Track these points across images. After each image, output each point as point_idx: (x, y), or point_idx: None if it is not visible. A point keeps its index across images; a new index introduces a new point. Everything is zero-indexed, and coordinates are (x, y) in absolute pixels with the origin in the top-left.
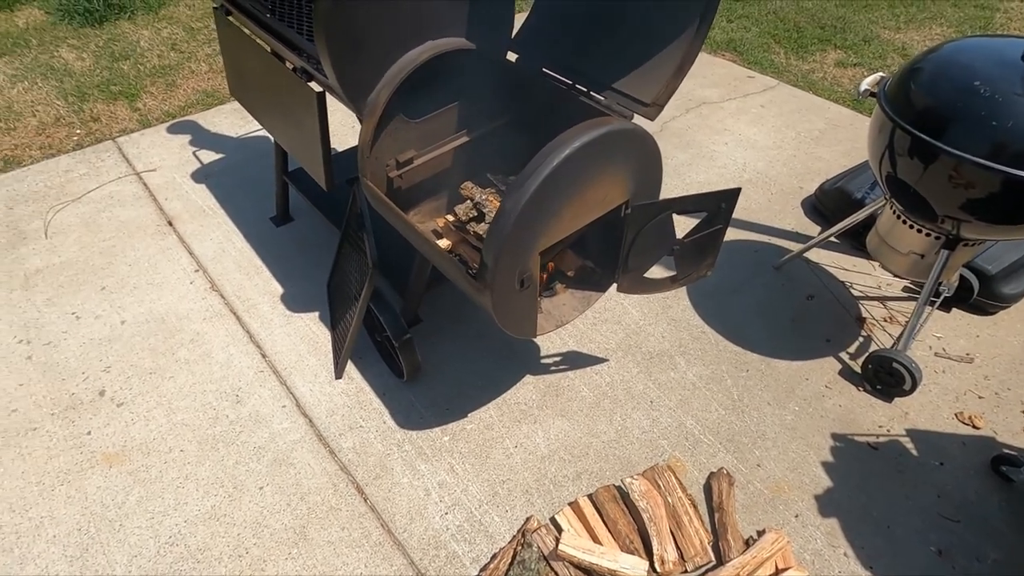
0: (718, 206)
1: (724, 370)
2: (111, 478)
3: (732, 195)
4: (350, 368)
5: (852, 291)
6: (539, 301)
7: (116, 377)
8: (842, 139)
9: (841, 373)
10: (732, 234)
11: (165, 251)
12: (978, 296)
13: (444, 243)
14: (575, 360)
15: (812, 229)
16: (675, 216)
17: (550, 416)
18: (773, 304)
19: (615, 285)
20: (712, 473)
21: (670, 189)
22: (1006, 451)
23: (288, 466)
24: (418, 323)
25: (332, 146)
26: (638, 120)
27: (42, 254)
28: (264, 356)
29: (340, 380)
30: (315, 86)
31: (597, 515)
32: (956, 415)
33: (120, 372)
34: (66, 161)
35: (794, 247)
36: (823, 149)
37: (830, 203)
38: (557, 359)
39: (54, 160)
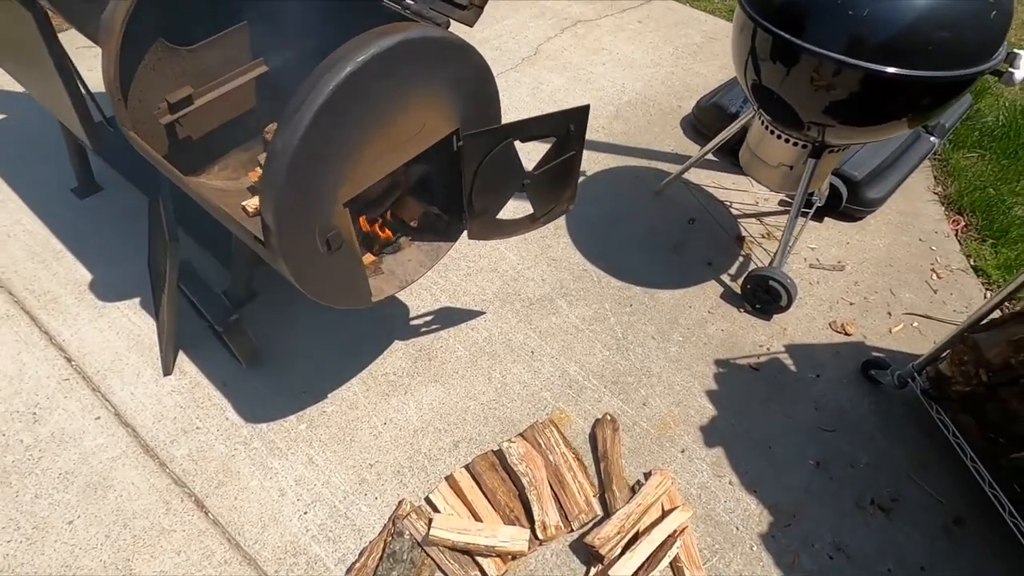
0: (566, 128)
1: (608, 308)
2: None
3: (580, 114)
4: (182, 360)
5: (732, 210)
6: (376, 260)
7: None
8: (719, 53)
9: (723, 296)
10: (612, 160)
11: None
12: (846, 203)
13: (254, 202)
14: (448, 317)
15: (692, 149)
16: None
17: (423, 383)
18: (655, 232)
19: (466, 232)
20: (597, 420)
21: None
22: (874, 355)
23: (106, 490)
24: (252, 298)
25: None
26: (461, 31)
27: None
28: (70, 360)
29: (170, 376)
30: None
31: (476, 487)
32: (830, 324)
33: None
34: None
35: (674, 169)
36: (700, 64)
37: (707, 120)
38: (428, 319)
39: None
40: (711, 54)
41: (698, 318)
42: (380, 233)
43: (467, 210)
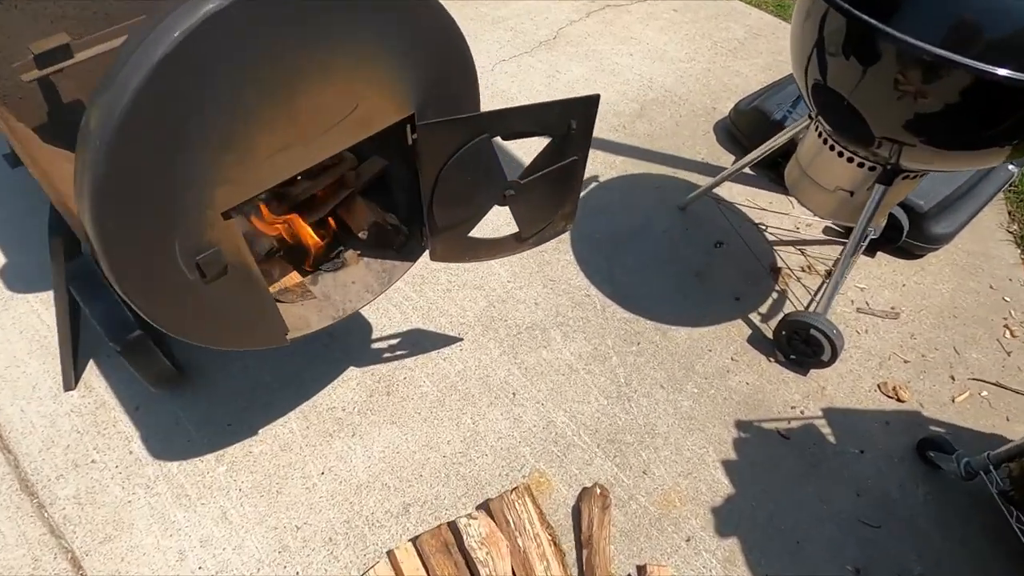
0: (566, 125)
1: (610, 345)
2: None
3: (586, 107)
4: (92, 373)
5: (767, 235)
6: (305, 282)
7: None
8: (763, 51)
9: (751, 340)
10: (631, 165)
11: None
12: (906, 238)
13: None
14: (417, 342)
15: (726, 160)
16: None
17: (376, 424)
18: (675, 255)
19: (427, 253)
20: (584, 490)
21: None
22: (934, 431)
23: None
24: None
25: None
26: (470, 7)
27: None
28: None
29: (72, 392)
30: None
31: (423, 570)
32: (879, 386)
33: None
34: None
35: (703, 182)
36: (741, 62)
37: (746, 126)
38: (393, 342)
39: None
40: (754, 52)
41: (719, 366)
42: (312, 242)
43: (427, 224)
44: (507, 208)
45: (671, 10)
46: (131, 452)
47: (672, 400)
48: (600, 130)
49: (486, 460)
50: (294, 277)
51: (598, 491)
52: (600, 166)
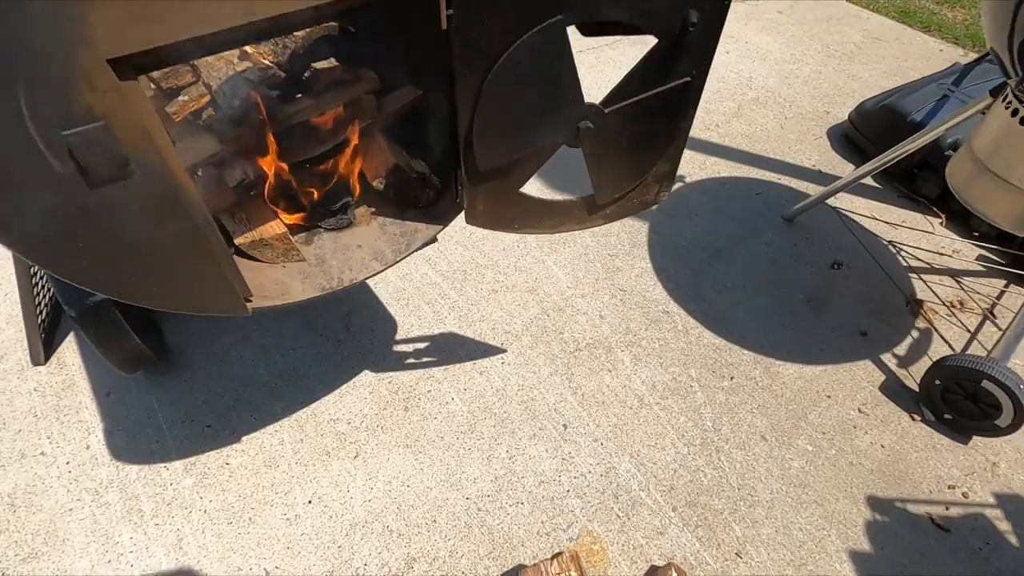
0: (682, 18)
1: (693, 376)
2: None
3: None
4: (69, 347)
5: (901, 258)
6: (292, 238)
7: None
8: (886, 55)
9: (884, 389)
10: (724, 167)
11: None
12: None
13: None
14: (450, 349)
15: (841, 168)
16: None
17: (386, 446)
18: (781, 274)
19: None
20: (654, 570)
21: None
22: None
23: None
24: None
25: None
26: None
27: None
28: None
29: (42, 368)
30: None
31: None
32: None
33: None
34: None
35: (814, 190)
36: (859, 66)
37: (872, 129)
38: (420, 347)
39: None
40: (874, 56)
41: (841, 419)
42: (304, 190)
43: (464, 165)
44: (574, 162)
45: (774, 11)
46: (88, 447)
47: (777, 458)
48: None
49: (521, 510)
50: (275, 227)
51: (673, 573)
52: (687, 165)
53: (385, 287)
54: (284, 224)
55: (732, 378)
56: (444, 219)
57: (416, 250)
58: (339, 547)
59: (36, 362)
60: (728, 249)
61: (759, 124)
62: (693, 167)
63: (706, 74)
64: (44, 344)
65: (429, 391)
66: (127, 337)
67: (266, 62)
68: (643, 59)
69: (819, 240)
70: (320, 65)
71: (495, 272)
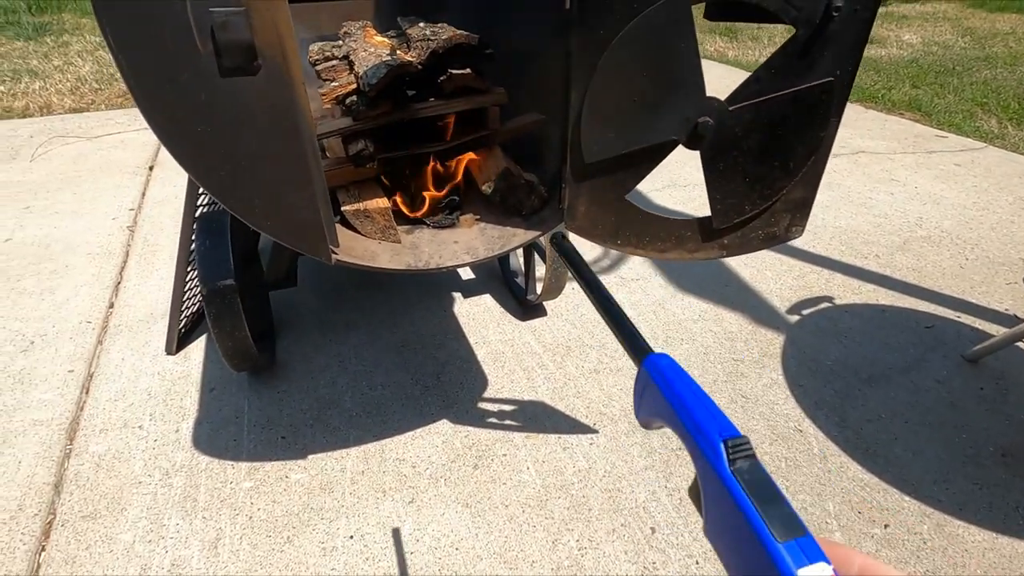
0: (825, 2)
1: (830, 511)
2: None
3: None
4: (198, 345)
5: None
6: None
7: None
8: None
9: None
10: (884, 296)
11: (120, 187)
12: None
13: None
14: (536, 418)
15: None
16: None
17: (444, 499)
18: (960, 417)
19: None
20: None
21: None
22: None
23: None
24: (287, 285)
25: None
26: None
27: (10, 172)
28: (111, 307)
29: (171, 357)
30: None
31: None
32: None
33: None
34: (102, 114)
35: (999, 331)
36: None
37: None
38: (505, 408)
39: (91, 113)
40: None
41: None
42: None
43: (569, 158)
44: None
45: (952, 164)
46: (177, 430)
47: None
48: (840, 252)
49: None
50: (380, 202)
51: None
52: (836, 287)
53: (485, 347)
54: (388, 202)
55: (885, 526)
56: (544, 225)
57: (508, 249)
58: None
59: (169, 351)
60: (884, 378)
61: (930, 260)
62: (844, 290)
63: (853, 76)
64: (180, 338)
65: (504, 455)
66: (240, 326)
67: (408, 58)
68: (778, 51)
69: (1016, 389)
70: (456, 72)
71: (600, 353)
